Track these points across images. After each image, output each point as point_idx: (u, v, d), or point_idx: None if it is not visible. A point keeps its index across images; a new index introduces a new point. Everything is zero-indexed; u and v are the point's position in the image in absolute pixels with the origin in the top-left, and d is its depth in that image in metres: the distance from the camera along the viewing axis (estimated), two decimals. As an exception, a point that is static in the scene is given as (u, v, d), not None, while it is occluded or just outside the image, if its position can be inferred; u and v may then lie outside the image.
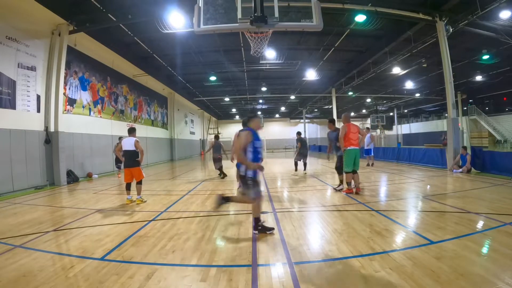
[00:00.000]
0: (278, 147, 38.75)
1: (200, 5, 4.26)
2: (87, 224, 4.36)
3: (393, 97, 28.01)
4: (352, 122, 6.17)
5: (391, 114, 36.98)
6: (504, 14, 9.79)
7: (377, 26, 10.86)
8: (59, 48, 9.11)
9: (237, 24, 4.21)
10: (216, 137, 10.08)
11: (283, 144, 39.80)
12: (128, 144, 5.84)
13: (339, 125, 6.72)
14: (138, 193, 5.82)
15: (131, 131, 6.10)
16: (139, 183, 5.86)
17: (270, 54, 14.11)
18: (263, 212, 4.74)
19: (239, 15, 4.14)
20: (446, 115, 12.82)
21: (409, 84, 21.37)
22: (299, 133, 10.92)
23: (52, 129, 8.91)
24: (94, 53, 11.72)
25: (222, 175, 9.64)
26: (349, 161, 5.93)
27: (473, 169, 9.09)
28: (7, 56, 7.64)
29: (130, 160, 5.82)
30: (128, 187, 5.86)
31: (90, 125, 11.50)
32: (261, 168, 3.55)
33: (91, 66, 11.71)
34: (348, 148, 5.91)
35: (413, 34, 11.50)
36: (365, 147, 12.04)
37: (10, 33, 7.68)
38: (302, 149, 10.21)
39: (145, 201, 5.83)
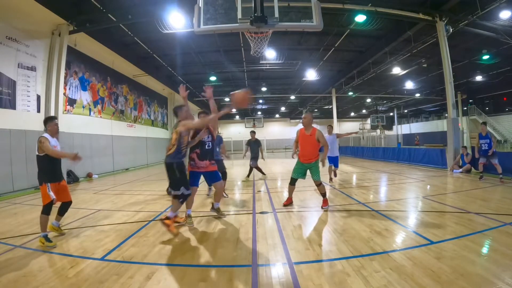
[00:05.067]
0: (278, 147, 38.73)
1: (200, 5, 4.25)
2: (87, 224, 4.36)
3: (393, 97, 27.99)
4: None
5: (391, 114, 36.97)
6: (504, 14, 9.79)
7: (377, 26, 10.87)
8: (59, 48, 9.10)
9: (237, 24, 4.21)
10: None
11: (283, 144, 39.77)
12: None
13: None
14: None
15: None
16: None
17: (270, 54, 14.10)
18: (263, 212, 4.78)
19: (239, 15, 4.14)
20: (446, 115, 12.82)
21: (409, 84, 21.36)
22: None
23: (52, 129, 8.90)
24: (94, 53, 11.72)
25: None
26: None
27: (473, 169, 9.08)
28: (7, 56, 7.64)
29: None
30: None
31: (90, 125, 11.50)
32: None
33: (91, 66, 11.71)
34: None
35: (413, 34, 11.49)
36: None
37: (10, 33, 7.68)
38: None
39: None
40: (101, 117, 12.40)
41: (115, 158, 13.23)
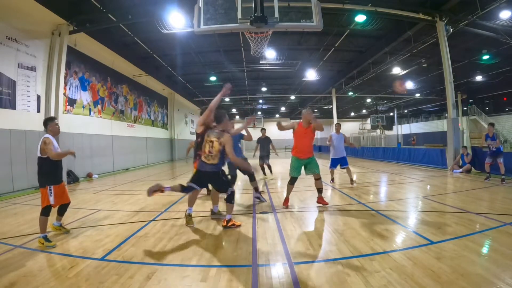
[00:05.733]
0: (278, 147, 38.65)
1: (200, 5, 4.25)
2: (87, 224, 4.36)
3: (393, 97, 28.00)
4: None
5: (391, 114, 36.96)
6: (504, 14, 9.79)
7: (377, 26, 10.87)
8: (59, 48, 9.10)
9: (237, 24, 4.21)
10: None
11: (283, 144, 39.74)
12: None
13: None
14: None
15: None
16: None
17: (270, 54, 14.09)
18: (263, 212, 4.78)
19: (239, 15, 4.14)
20: (446, 115, 12.82)
21: (409, 84, 21.36)
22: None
23: (52, 129, 8.90)
24: (94, 53, 11.71)
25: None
26: None
27: (473, 169, 9.09)
28: (7, 56, 7.63)
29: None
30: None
31: (90, 125, 11.50)
32: None
33: (91, 66, 11.71)
34: None
35: (413, 34, 11.50)
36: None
37: (10, 33, 7.68)
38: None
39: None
40: (101, 117, 12.40)
41: (115, 158, 13.23)
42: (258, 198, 5.67)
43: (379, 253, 2.91)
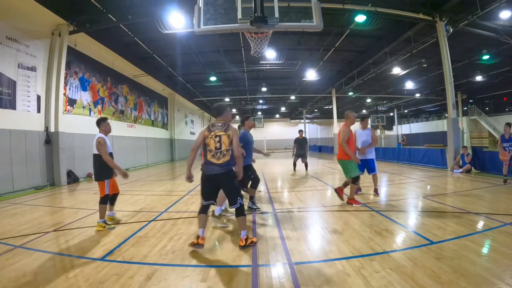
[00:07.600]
0: (278, 148, 38.72)
1: (200, 5, 4.25)
2: (87, 224, 4.35)
3: (393, 97, 27.98)
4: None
5: (391, 114, 36.96)
6: (504, 14, 9.79)
7: (377, 26, 10.86)
8: (59, 49, 9.10)
9: (237, 25, 4.20)
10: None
11: (283, 144, 39.74)
12: None
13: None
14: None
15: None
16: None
17: (270, 54, 14.09)
18: (263, 213, 4.79)
19: (239, 16, 4.13)
20: (446, 115, 12.82)
21: (409, 84, 21.35)
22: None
23: (52, 129, 8.91)
24: (94, 53, 11.71)
25: None
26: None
27: (473, 169, 9.09)
28: (7, 56, 7.63)
29: None
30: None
31: (90, 126, 11.46)
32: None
33: (91, 67, 11.71)
34: None
35: (413, 34, 11.50)
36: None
37: (10, 34, 7.68)
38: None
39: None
40: (101, 117, 12.39)
41: (115, 158, 13.06)
42: (251, 207, 4.87)
43: (379, 253, 2.91)
